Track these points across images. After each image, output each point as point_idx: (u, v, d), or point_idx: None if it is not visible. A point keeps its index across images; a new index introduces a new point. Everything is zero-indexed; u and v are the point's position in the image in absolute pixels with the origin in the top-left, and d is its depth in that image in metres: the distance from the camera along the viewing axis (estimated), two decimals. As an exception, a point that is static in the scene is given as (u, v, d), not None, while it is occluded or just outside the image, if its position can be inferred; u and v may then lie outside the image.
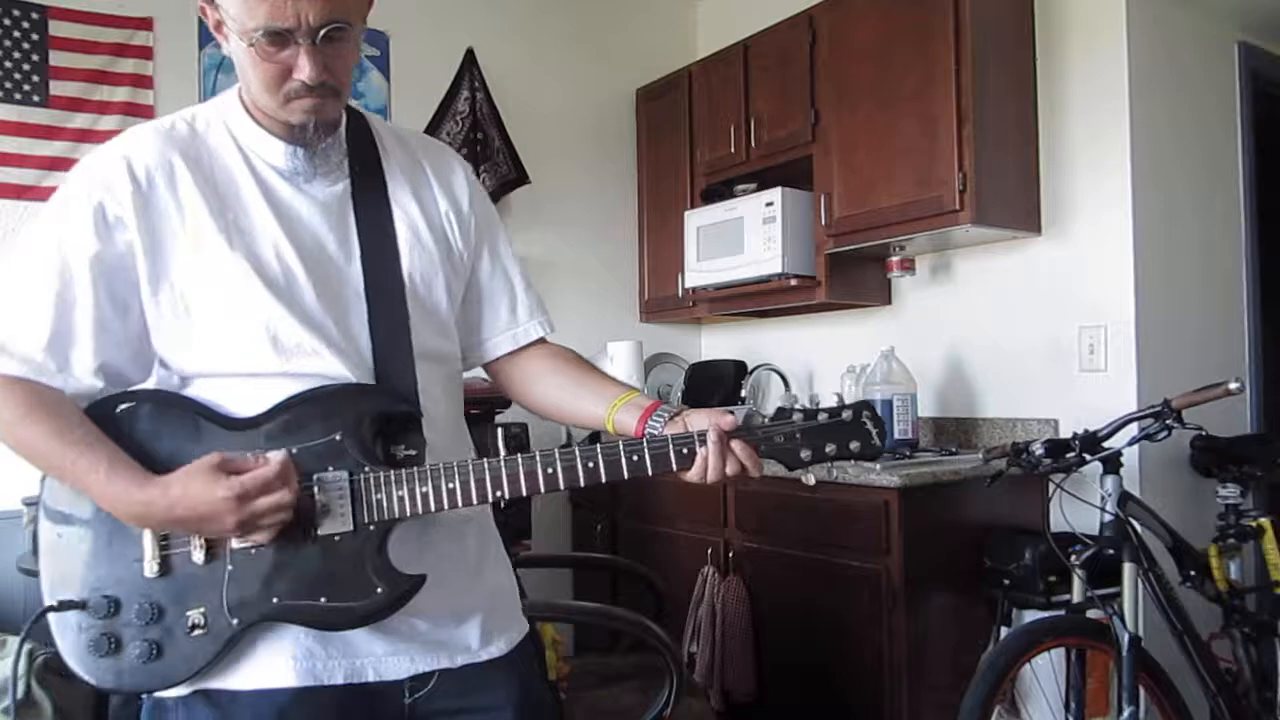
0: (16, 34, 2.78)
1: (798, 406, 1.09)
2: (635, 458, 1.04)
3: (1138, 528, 2.15)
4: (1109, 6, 2.67)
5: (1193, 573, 2.28)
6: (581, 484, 1.04)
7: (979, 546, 2.50)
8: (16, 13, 2.78)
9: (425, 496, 1.03)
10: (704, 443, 1.05)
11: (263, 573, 1.01)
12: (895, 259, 3.07)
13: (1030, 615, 2.37)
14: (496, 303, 1.26)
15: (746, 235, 3.21)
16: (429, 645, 1.10)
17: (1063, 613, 2.19)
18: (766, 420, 1.09)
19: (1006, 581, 2.41)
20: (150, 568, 1.01)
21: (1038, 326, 2.81)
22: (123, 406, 1.04)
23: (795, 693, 2.65)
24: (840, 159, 2.97)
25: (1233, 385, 2.00)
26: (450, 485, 1.03)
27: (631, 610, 1.98)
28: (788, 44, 3.17)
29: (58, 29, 2.83)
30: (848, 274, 3.14)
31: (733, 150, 3.38)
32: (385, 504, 1.02)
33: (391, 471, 1.03)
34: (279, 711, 1.02)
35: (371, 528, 1.02)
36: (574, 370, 1.25)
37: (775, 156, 3.24)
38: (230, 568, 1.01)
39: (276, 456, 0.99)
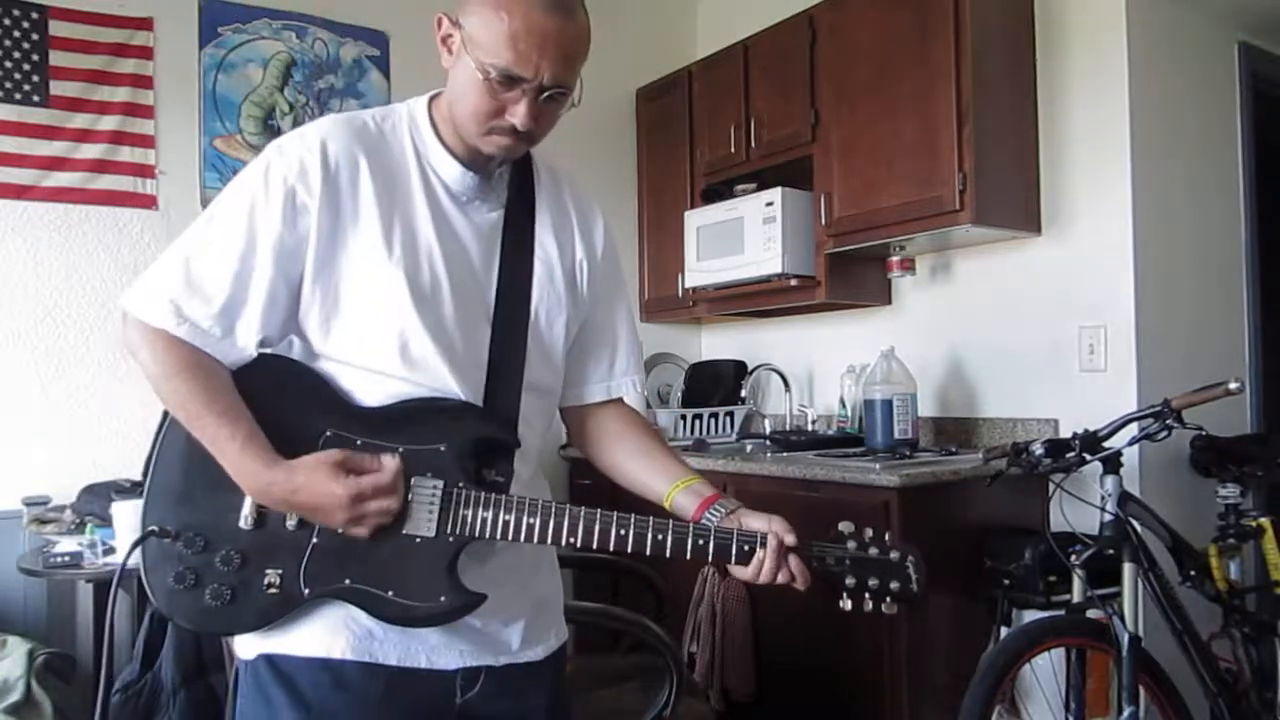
0: (16, 34, 2.78)
1: (852, 532, 1.14)
2: (701, 542, 1.10)
3: (1138, 528, 2.14)
4: (1109, 6, 2.67)
5: (1193, 573, 2.28)
6: (647, 553, 1.10)
7: (979, 546, 2.50)
8: (16, 13, 2.78)
9: (506, 525, 1.08)
10: (764, 546, 1.11)
11: (343, 552, 1.07)
12: (895, 259, 3.07)
13: (1030, 615, 2.37)
14: (601, 352, 1.32)
15: (746, 235, 3.21)
16: (478, 642, 1.15)
17: (1063, 613, 2.18)
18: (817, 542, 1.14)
19: (1006, 581, 2.41)
20: (246, 520, 1.07)
21: (1038, 326, 2.81)
22: (260, 369, 1.11)
23: (795, 693, 2.65)
24: (840, 159, 2.97)
25: (1233, 385, 2.00)
26: (531, 520, 1.08)
27: (631, 610, 1.97)
28: (788, 44, 3.17)
29: (58, 29, 2.83)
30: (848, 274, 3.14)
31: (733, 150, 3.38)
32: (469, 521, 1.08)
33: (483, 493, 1.09)
34: (336, 682, 1.08)
35: (450, 539, 1.08)
36: (644, 441, 1.31)
37: (775, 156, 3.24)
38: (316, 540, 1.07)
39: (391, 463, 1.06)
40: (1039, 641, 2.09)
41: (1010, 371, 2.89)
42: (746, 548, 1.11)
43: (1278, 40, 3.20)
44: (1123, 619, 2.00)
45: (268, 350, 1.12)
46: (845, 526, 1.14)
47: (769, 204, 3.13)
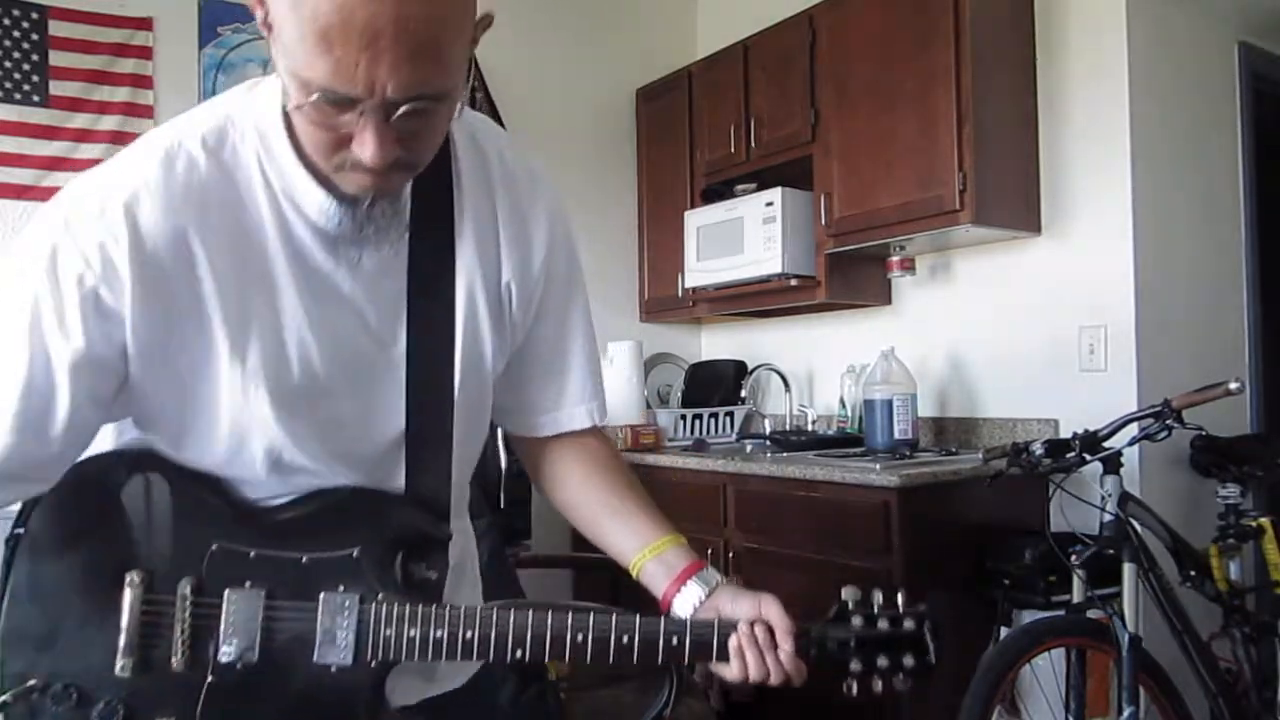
0: (16, 34, 2.78)
1: (857, 602, 0.97)
2: (675, 641, 0.93)
3: (1138, 528, 2.14)
4: (1109, 7, 2.67)
5: (1193, 573, 2.28)
6: (610, 660, 0.93)
7: (979, 546, 2.50)
8: (16, 13, 2.78)
9: (439, 642, 0.89)
10: (747, 637, 0.94)
11: (245, 690, 0.88)
12: (895, 259, 3.07)
13: (1030, 615, 2.37)
14: (548, 376, 1.06)
15: (746, 235, 3.21)
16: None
17: (1063, 613, 2.18)
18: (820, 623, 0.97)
19: (1006, 581, 2.40)
20: (123, 665, 0.87)
21: (1038, 326, 2.81)
22: (120, 472, 0.91)
23: (795, 693, 2.64)
24: (840, 159, 2.97)
25: (1233, 385, 2.00)
26: (468, 634, 0.89)
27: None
28: (788, 44, 3.17)
29: (58, 29, 2.83)
30: (848, 274, 3.14)
31: (733, 150, 3.38)
32: (394, 642, 0.89)
33: (408, 605, 0.90)
34: None
35: (373, 664, 0.89)
36: (609, 489, 1.07)
37: (775, 156, 3.24)
38: (211, 679, 0.88)
39: None
40: (1039, 641, 2.09)
41: (1010, 371, 2.89)
42: (732, 643, 0.93)
43: (1278, 40, 3.20)
44: (1123, 619, 2.00)
45: (131, 446, 0.91)
46: (850, 594, 0.97)
47: (769, 204, 3.13)
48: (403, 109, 0.74)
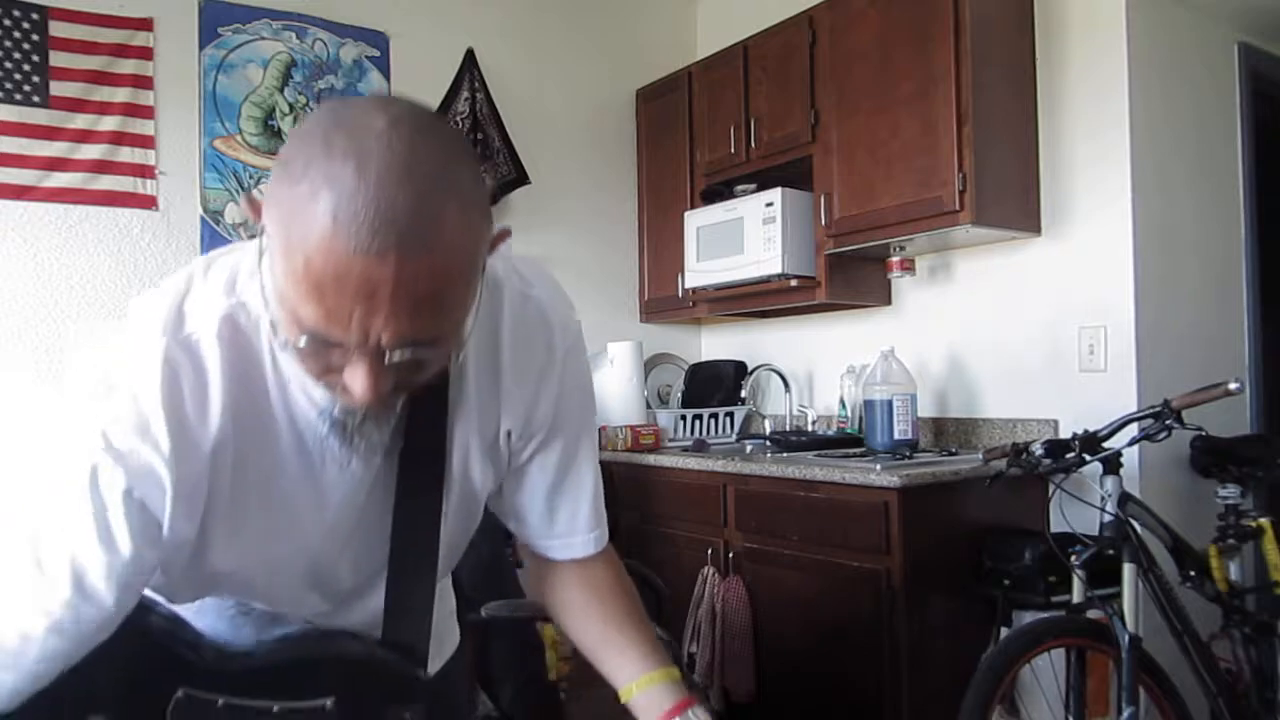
0: (16, 34, 2.78)
1: None
2: None
3: (1138, 528, 2.14)
4: (1109, 7, 2.67)
5: (1193, 573, 2.28)
6: None
7: (979, 546, 2.50)
8: (16, 13, 2.78)
9: None
10: None
11: None
12: (895, 259, 3.07)
13: (1030, 616, 2.37)
14: (554, 506, 1.05)
15: (746, 235, 3.21)
16: None
17: (1063, 613, 2.18)
18: None
19: (1006, 581, 2.40)
20: None
21: (1038, 326, 2.81)
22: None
23: (795, 693, 2.65)
24: (840, 159, 2.97)
25: (1233, 385, 2.00)
26: None
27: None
28: (788, 44, 3.17)
29: (58, 29, 2.83)
30: (848, 274, 3.14)
31: (733, 150, 3.38)
32: None
33: None
34: None
35: None
36: (608, 616, 1.07)
37: (775, 157, 3.24)
38: None
39: None
40: (1039, 642, 2.09)
41: (1010, 371, 2.89)
42: None
43: (1278, 40, 3.20)
44: (1123, 619, 2.00)
45: None
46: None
47: (769, 204, 3.13)
48: (395, 352, 0.71)
